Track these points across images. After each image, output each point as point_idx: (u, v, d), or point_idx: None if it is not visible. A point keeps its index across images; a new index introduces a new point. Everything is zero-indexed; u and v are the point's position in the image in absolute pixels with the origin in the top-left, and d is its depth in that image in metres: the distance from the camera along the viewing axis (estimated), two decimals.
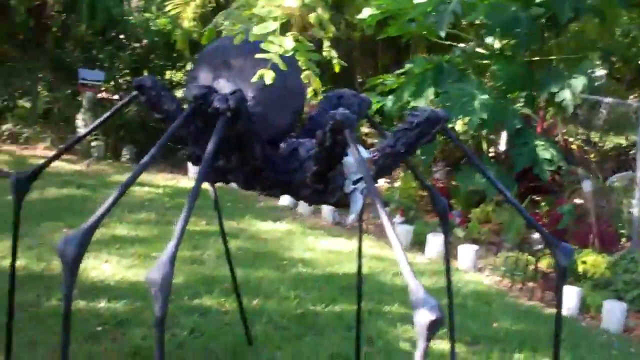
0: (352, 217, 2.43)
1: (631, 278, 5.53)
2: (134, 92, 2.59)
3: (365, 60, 13.13)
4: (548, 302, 5.44)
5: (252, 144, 2.37)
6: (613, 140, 9.79)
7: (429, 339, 1.57)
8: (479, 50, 8.45)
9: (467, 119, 7.21)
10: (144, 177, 6.88)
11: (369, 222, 7.02)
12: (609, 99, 7.39)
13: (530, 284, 5.76)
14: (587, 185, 6.66)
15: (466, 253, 6.15)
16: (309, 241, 6.40)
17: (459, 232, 6.69)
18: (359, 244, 3.50)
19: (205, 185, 3.07)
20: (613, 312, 4.96)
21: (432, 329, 1.56)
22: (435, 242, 6.35)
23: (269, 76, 2.02)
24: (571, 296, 5.18)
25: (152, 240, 5.73)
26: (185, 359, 3.59)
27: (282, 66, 2.01)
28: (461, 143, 2.55)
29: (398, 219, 7.15)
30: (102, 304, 4.12)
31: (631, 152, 8.46)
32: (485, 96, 7.29)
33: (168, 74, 11.09)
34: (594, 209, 6.49)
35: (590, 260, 5.78)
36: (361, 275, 3.56)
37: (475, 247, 6.23)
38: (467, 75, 8.01)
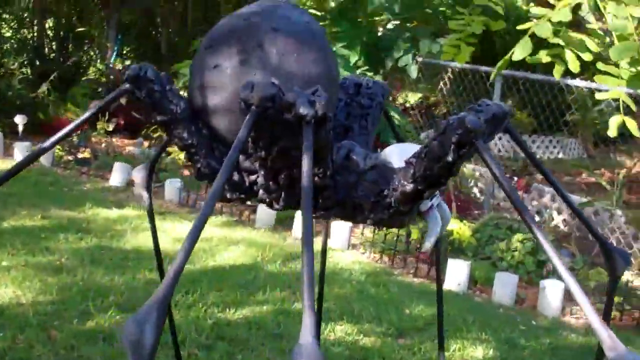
0: (430, 243, 1.96)
1: (499, 246, 5.69)
2: (126, 85, 1.85)
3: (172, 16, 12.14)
4: (433, 278, 5.39)
5: (327, 158, 1.79)
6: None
7: None
8: (313, 11, 8.10)
9: None
10: None
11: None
12: (456, 64, 7.47)
13: (409, 259, 5.68)
14: None
15: (340, 230, 5.88)
16: (166, 228, 5.66)
17: None
18: (323, 245, 3.00)
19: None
20: (504, 285, 5.03)
21: None
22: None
23: None
24: (460, 271, 5.16)
25: None
26: None
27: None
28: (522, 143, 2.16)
29: None
30: None
31: None
32: (338, 60, 6.99)
33: None
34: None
35: (456, 229, 5.85)
36: (322, 291, 3.07)
37: (349, 223, 5.98)
38: None
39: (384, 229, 5.78)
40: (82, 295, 3.89)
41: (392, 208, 1.86)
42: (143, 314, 1.24)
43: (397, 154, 1.92)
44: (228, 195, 2.03)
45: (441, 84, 9.17)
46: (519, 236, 5.63)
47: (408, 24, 8.18)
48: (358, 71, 7.49)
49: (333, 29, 7.82)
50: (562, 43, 2.76)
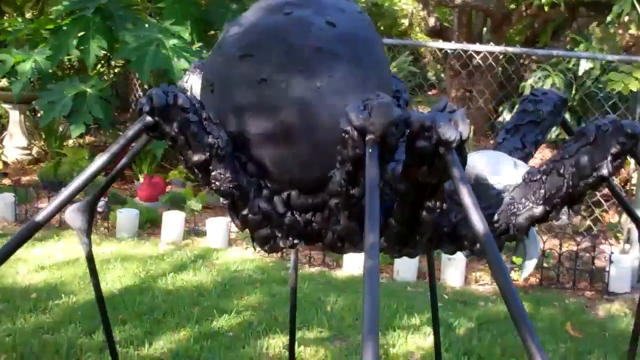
0: (532, 266, 1.63)
1: None
2: (147, 119, 1.30)
3: None
4: (328, 264, 5.11)
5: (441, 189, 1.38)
6: None
7: None
8: None
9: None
10: None
11: None
12: None
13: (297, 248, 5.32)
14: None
15: (216, 227, 5.35)
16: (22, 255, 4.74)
17: (194, 204, 5.79)
18: (294, 264, 2.57)
19: None
20: (405, 261, 4.88)
21: None
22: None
23: None
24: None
25: None
26: None
27: None
28: None
29: None
30: None
31: None
32: (175, 40, 6.34)
33: None
34: None
35: None
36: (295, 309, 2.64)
37: (226, 218, 5.47)
38: (142, 17, 6.85)
39: None
40: None
41: (504, 235, 1.52)
42: None
43: (487, 166, 1.56)
44: (281, 244, 1.56)
45: None
46: None
47: None
48: (194, 48, 6.88)
49: (157, 4, 7.11)
50: None
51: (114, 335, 3.37)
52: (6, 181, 6.66)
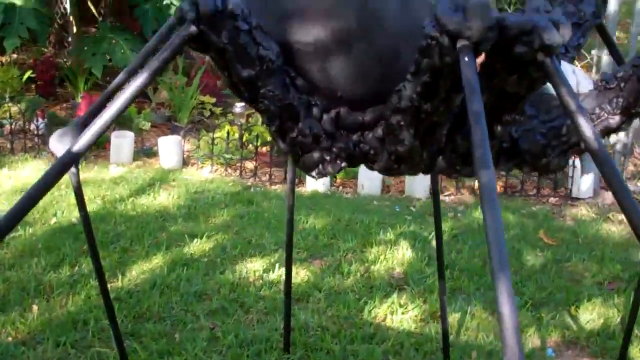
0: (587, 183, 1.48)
1: None
2: (191, 28, 1.06)
3: None
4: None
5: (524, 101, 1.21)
6: None
7: None
8: None
9: None
10: None
11: None
12: None
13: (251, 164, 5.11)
14: None
15: (170, 146, 5.07)
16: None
17: (142, 123, 5.44)
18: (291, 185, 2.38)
19: None
20: (369, 174, 4.76)
21: None
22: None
23: None
24: None
25: None
26: None
27: None
28: None
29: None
30: None
31: None
32: None
33: None
34: None
35: None
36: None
37: (178, 137, 5.17)
38: None
39: (213, 135, 5.11)
40: None
41: (573, 149, 1.36)
42: None
43: None
44: (330, 169, 1.36)
45: None
46: None
47: None
48: None
49: None
50: None
51: (81, 269, 3.15)
52: None
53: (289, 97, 1.27)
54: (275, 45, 1.23)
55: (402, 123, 1.26)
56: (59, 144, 1.75)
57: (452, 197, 4.78)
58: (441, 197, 4.78)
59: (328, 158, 1.38)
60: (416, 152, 1.32)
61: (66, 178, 4.56)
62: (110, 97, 1.91)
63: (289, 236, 2.42)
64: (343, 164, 1.42)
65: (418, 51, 1.11)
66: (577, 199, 4.72)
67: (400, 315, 2.98)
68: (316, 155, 1.37)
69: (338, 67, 1.28)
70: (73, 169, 1.83)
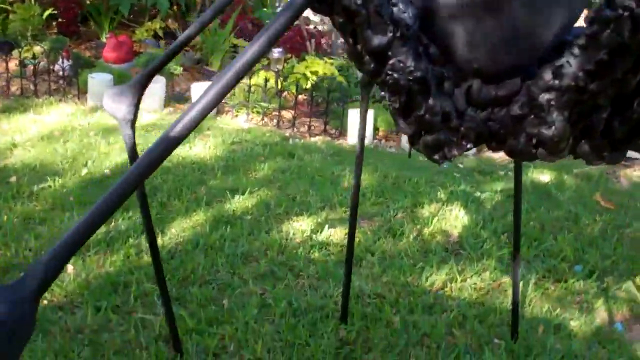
0: None
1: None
2: None
3: None
4: (329, 132, 4.71)
5: None
6: None
7: None
8: None
9: None
10: None
11: None
12: None
13: (289, 113, 4.87)
14: None
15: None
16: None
17: (175, 67, 5.18)
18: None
19: None
20: None
21: None
22: None
23: None
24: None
25: None
26: None
27: None
28: None
29: None
30: None
31: None
32: None
33: None
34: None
35: (320, 67, 5.11)
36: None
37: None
38: None
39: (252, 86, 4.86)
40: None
41: None
42: None
43: None
44: (455, 152, 1.15)
45: None
46: None
47: None
48: None
49: None
50: None
51: (117, 224, 2.96)
52: None
53: (420, 67, 1.04)
54: (412, 8, 1.01)
55: (552, 103, 1.04)
56: (116, 104, 1.54)
57: (501, 152, 4.52)
58: (488, 153, 4.54)
59: (455, 139, 1.16)
60: (564, 137, 1.09)
61: (92, 124, 4.27)
62: (177, 52, 1.68)
63: (354, 198, 2.22)
64: (469, 145, 1.20)
65: (595, 22, 0.88)
66: (630, 158, 4.47)
67: (459, 283, 2.78)
68: (442, 136, 1.15)
69: (483, 33, 1.06)
70: (129, 131, 1.63)
